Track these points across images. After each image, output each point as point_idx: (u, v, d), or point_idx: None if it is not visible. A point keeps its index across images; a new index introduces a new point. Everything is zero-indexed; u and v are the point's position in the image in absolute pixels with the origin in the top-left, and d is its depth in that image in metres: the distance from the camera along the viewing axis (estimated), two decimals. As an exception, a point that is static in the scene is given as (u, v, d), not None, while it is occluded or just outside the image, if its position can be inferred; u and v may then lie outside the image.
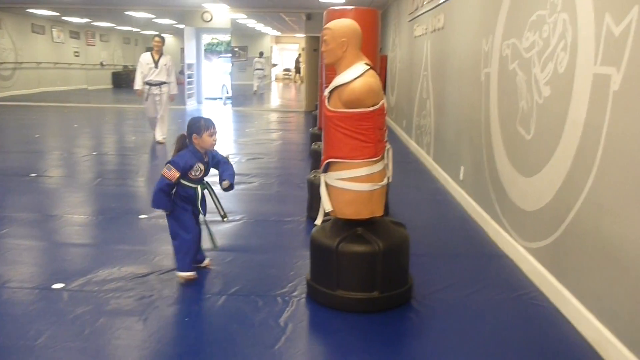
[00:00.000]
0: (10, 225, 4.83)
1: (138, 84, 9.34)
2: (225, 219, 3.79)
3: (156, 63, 9.24)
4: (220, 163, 3.76)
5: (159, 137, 9.47)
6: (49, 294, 3.45)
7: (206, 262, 3.91)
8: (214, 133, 3.62)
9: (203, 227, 3.77)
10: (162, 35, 9.54)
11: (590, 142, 3.03)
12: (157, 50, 9.26)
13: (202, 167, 3.62)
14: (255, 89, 21.73)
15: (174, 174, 3.52)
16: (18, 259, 4.07)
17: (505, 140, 4.46)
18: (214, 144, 3.66)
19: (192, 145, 3.61)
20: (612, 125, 2.83)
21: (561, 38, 3.44)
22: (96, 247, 4.42)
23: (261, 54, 23.00)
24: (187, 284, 3.63)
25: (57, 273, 3.78)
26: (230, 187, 3.68)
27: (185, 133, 3.64)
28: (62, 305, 3.30)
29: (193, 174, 3.60)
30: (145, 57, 9.33)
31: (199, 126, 3.57)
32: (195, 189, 3.63)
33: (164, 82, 9.36)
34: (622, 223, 2.74)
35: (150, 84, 9.29)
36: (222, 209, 3.77)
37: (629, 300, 2.66)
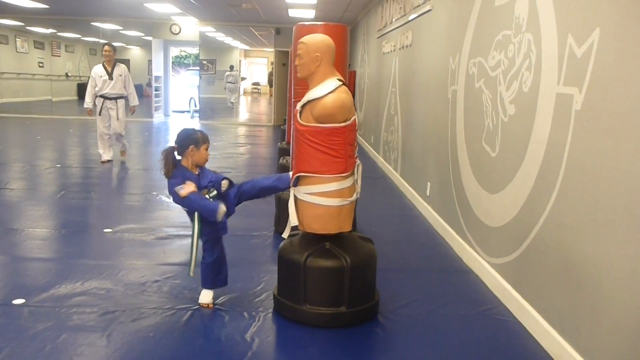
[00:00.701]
0: (-31, 238, 4.70)
1: (88, 102, 8.66)
2: (191, 275, 3.37)
3: (110, 74, 8.56)
4: (238, 187, 3.46)
5: (107, 156, 8.70)
6: (8, 310, 3.36)
7: None
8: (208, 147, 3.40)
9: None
10: (113, 43, 8.80)
11: (553, 160, 3.10)
12: (108, 60, 8.55)
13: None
14: (232, 100, 21.90)
15: (189, 187, 3.21)
16: (-24, 273, 3.96)
17: (471, 157, 4.53)
18: (207, 160, 3.42)
19: (181, 165, 3.30)
20: (574, 144, 2.90)
21: (526, 58, 3.52)
22: (58, 261, 4.33)
23: (232, 67, 22.97)
24: (150, 298, 3.57)
25: (18, 288, 3.68)
26: (230, 186, 3.41)
27: (175, 145, 3.32)
28: (22, 322, 3.21)
29: None
30: (97, 70, 8.59)
31: (197, 138, 3.31)
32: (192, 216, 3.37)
33: (121, 96, 8.71)
34: (582, 240, 2.80)
35: (105, 97, 8.59)
36: (193, 262, 3.37)
37: (590, 316, 2.72)
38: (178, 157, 3.34)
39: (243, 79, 26.93)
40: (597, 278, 2.67)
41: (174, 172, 3.28)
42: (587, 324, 2.75)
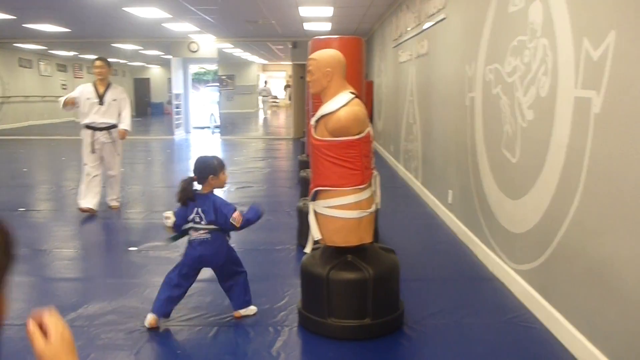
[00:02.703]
0: (-1, 261, 4.78)
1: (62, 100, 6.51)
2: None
3: (101, 98, 6.45)
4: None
5: (89, 202, 6.46)
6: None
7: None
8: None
9: None
10: (107, 59, 6.66)
11: (574, 164, 3.08)
12: (101, 79, 6.49)
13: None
14: (266, 114, 25.29)
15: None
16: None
17: (492, 164, 4.51)
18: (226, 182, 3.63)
19: (198, 195, 3.43)
20: (595, 147, 2.88)
21: (542, 63, 3.51)
22: (86, 281, 4.40)
23: (265, 82, 26.64)
24: (176, 315, 3.60)
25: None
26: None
27: (195, 176, 3.44)
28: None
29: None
30: (85, 90, 6.49)
31: (215, 167, 3.44)
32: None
33: (114, 125, 6.56)
34: (607, 244, 2.77)
35: (93, 127, 6.46)
36: None
37: (618, 320, 2.68)
38: (198, 186, 3.45)
39: (274, 97, 28.44)
40: (624, 282, 2.63)
41: (190, 204, 3.41)
42: (616, 329, 2.71)
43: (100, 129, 6.47)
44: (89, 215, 6.39)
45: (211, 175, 3.42)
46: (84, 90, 6.48)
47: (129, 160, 11.08)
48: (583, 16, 3.00)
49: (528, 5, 3.73)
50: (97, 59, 6.52)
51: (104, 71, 6.48)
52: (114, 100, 6.52)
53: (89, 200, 6.45)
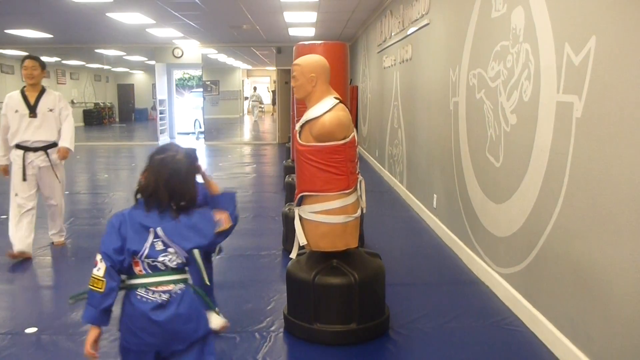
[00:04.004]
0: (-20, 269, 4.70)
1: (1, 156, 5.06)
2: None
3: (32, 108, 4.94)
4: None
5: (22, 244, 4.87)
6: (21, 339, 3.38)
7: None
8: None
9: None
10: (40, 57, 5.09)
11: (557, 168, 3.11)
12: (32, 84, 4.99)
13: None
14: (255, 119, 25.75)
15: None
16: (-12, 304, 3.98)
17: (476, 168, 4.54)
18: None
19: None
20: (577, 151, 2.91)
21: (524, 67, 3.54)
22: (70, 288, 4.34)
23: (255, 88, 27.12)
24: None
25: (30, 317, 3.70)
26: None
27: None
28: (35, 350, 3.23)
29: None
30: (12, 101, 4.99)
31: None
32: None
33: (52, 144, 5.03)
34: (590, 247, 2.79)
35: (24, 147, 4.94)
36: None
37: (601, 322, 2.70)
38: None
39: (261, 104, 28.80)
40: (606, 284, 2.66)
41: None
42: (598, 331, 2.73)
43: (35, 150, 4.96)
44: (21, 261, 4.92)
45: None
46: (10, 102, 4.96)
47: (113, 166, 11.02)
48: (564, 21, 3.04)
49: (510, 10, 3.77)
50: (26, 58, 5.01)
51: (35, 73, 4.96)
52: (50, 110, 4.98)
53: (21, 241, 4.88)
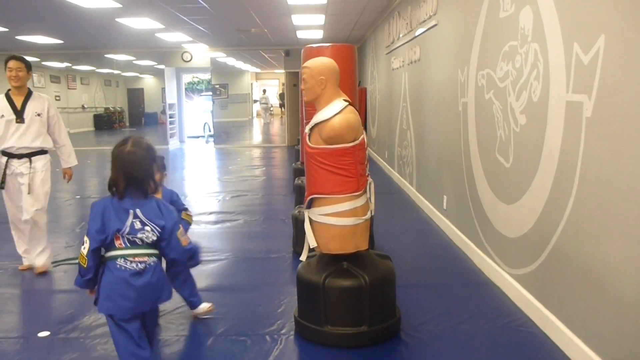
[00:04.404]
0: (-7, 274, 4.74)
1: None
2: None
3: (19, 113, 4.59)
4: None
5: (28, 260, 4.82)
6: (34, 343, 3.40)
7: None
8: None
9: None
10: (25, 58, 4.68)
11: (567, 168, 3.09)
12: (18, 86, 4.62)
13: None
14: (266, 121, 26.35)
15: None
16: (2, 308, 4.01)
17: (486, 169, 4.53)
18: None
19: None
20: (587, 151, 2.89)
21: (533, 67, 3.53)
22: (81, 293, 4.36)
23: (264, 91, 27.58)
24: (173, 326, 3.59)
25: (42, 321, 3.73)
26: None
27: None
28: (47, 354, 3.25)
29: None
30: None
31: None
32: None
33: (40, 150, 4.68)
34: (602, 247, 2.78)
35: (9, 154, 4.61)
36: None
37: (613, 322, 2.69)
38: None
39: (271, 106, 29.18)
40: (619, 284, 2.64)
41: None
42: (611, 331, 2.72)
43: (19, 157, 4.60)
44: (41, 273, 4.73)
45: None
46: None
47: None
48: (573, 21, 3.03)
49: (518, 10, 3.76)
50: (10, 58, 4.61)
51: (21, 75, 4.59)
52: (38, 114, 4.63)
53: (25, 255, 4.82)
